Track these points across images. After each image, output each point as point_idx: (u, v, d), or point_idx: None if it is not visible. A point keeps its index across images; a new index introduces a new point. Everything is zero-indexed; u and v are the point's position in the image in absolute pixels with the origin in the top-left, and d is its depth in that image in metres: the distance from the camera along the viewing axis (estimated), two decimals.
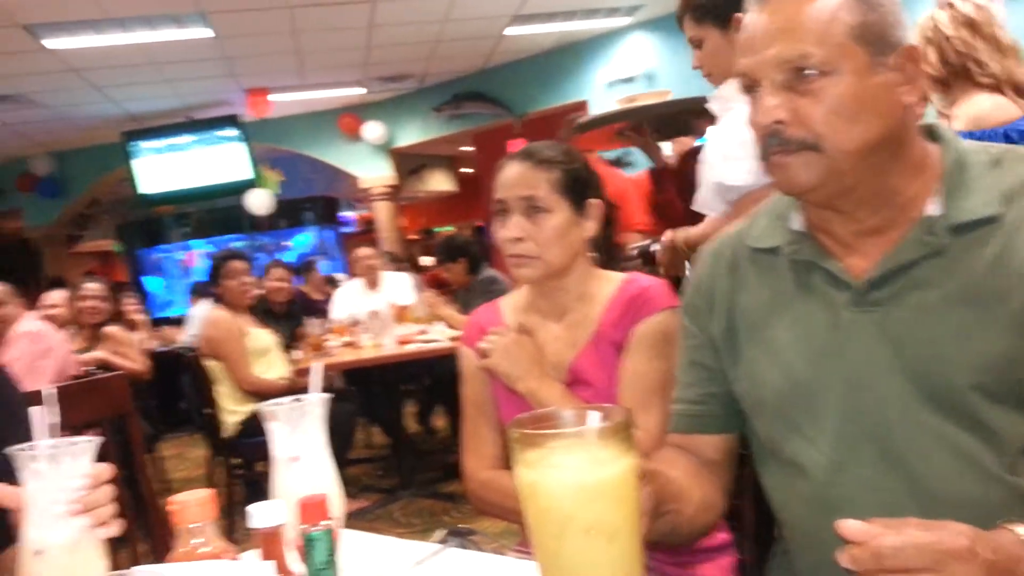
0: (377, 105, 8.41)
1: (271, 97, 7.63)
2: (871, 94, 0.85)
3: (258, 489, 3.75)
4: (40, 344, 3.36)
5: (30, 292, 4.52)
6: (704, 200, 1.82)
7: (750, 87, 0.90)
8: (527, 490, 0.62)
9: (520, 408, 1.39)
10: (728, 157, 1.73)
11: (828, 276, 0.92)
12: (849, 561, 0.69)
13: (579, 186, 1.38)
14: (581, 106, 7.19)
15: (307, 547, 0.62)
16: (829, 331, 0.91)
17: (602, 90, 6.93)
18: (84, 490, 0.79)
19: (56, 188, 8.87)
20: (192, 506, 0.71)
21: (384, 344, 4.08)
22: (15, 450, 0.77)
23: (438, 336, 4.08)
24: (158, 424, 4.51)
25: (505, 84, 7.62)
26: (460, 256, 4.53)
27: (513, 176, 1.37)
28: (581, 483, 0.60)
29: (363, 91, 7.97)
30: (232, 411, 3.62)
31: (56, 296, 4.49)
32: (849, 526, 0.69)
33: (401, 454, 4.20)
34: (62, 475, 0.78)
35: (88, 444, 0.80)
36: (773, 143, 0.87)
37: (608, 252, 1.50)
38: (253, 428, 3.56)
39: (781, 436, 0.96)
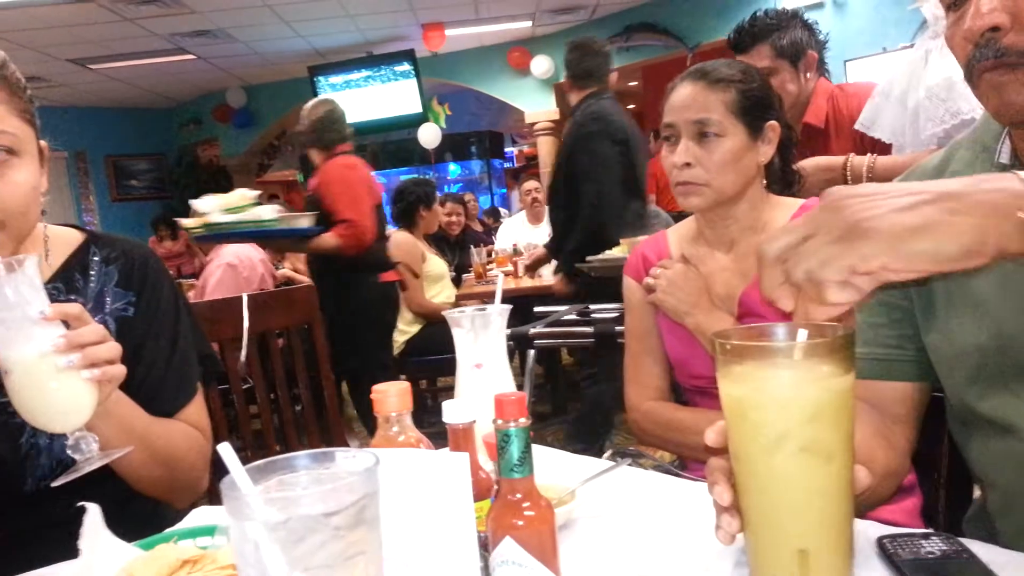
0: (546, 39, 8.31)
1: (445, 32, 7.75)
2: None
3: (419, 405, 3.97)
4: (238, 276, 3.65)
5: None
6: (899, 128, 1.64)
7: None
8: (734, 405, 0.59)
9: (684, 340, 1.36)
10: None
11: None
12: None
13: (757, 107, 1.29)
14: None
15: (503, 443, 0.62)
16: None
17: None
18: (53, 320, 0.85)
19: (248, 120, 9.57)
20: (391, 396, 0.74)
21: (542, 275, 4.12)
22: None
23: None
24: None
25: (679, 14, 7.27)
26: None
27: (684, 97, 1.29)
28: (800, 399, 0.56)
29: (529, 24, 7.89)
30: (401, 330, 3.81)
31: None
32: None
33: (555, 382, 4.27)
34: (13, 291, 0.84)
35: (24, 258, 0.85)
36: (986, 55, 0.75)
37: (785, 177, 1.40)
38: (418, 348, 3.74)
39: (980, 394, 0.86)
